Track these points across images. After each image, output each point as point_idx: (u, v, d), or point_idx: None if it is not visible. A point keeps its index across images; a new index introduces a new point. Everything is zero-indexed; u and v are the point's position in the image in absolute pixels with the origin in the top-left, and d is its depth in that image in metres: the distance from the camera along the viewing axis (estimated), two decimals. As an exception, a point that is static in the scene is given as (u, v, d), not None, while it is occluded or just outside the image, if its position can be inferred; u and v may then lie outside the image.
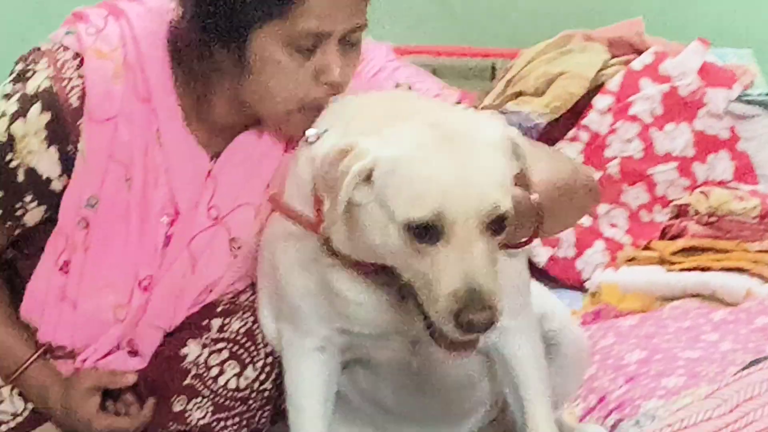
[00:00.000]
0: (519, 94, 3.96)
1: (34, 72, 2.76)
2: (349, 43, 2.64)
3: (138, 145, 2.80)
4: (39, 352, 2.82)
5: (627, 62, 3.75)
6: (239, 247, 2.82)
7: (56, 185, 2.79)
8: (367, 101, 2.45)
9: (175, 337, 2.80)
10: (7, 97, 2.70)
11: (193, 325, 2.77)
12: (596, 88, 3.67)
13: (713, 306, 3.29)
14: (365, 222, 2.25)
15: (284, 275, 2.49)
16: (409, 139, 2.17)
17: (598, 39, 3.82)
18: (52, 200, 2.80)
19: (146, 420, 2.74)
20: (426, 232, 2.12)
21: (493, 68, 4.60)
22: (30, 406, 2.83)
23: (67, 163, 2.76)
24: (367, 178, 2.19)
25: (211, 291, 2.82)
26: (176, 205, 2.80)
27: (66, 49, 2.73)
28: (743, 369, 2.80)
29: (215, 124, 2.82)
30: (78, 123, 2.75)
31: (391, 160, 2.17)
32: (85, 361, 2.80)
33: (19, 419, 2.85)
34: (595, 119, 3.68)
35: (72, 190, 2.77)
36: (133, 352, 2.85)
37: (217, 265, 2.84)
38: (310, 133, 2.36)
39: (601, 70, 3.71)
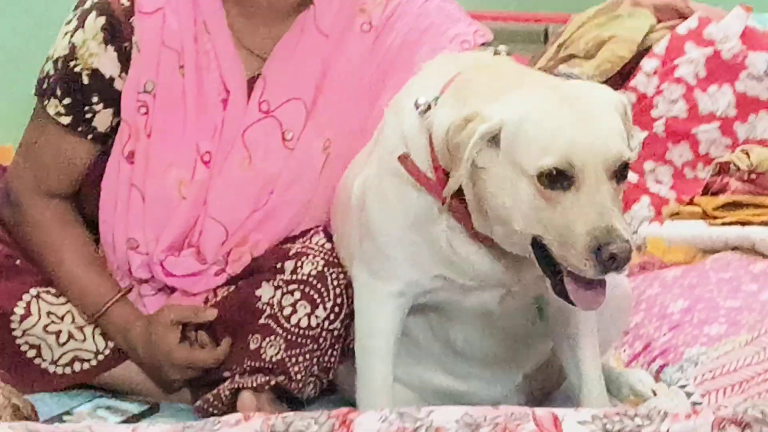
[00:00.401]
0: (570, 56, 4.02)
1: None
2: None
3: (187, 33, 2.99)
4: (122, 293, 2.98)
5: (672, 27, 3.83)
6: (291, 139, 3.01)
7: (118, 84, 3.02)
8: (475, 74, 2.51)
9: (249, 281, 2.92)
10: (68, 21, 2.97)
11: (266, 269, 2.88)
12: (644, 51, 3.75)
13: (753, 258, 3.37)
14: (492, 186, 2.40)
15: (380, 225, 2.60)
16: (531, 101, 2.32)
17: (646, 5, 3.86)
18: (116, 102, 3.02)
19: (221, 357, 2.88)
20: (557, 180, 2.29)
21: (546, 32, 4.67)
22: (111, 345, 2.97)
23: (126, 61, 3.01)
24: (493, 140, 2.35)
25: (271, 192, 3.00)
26: (227, 92, 2.93)
27: None
28: (776, 314, 2.89)
29: (249, 6, 3.01)
30: (130, 20, 2.97)
31: (518, 120, 2.31)
32: (161, 263, 2.98)
33: (101, 357, 3.00)
34: (642, 81, 3.74)
35: (131, 79, 3.01)
36: (197, 251, 3.00)
37: (272, 159, 3.03)
38: (421, 101, 2.45)
39: (648, 34, 3.77)
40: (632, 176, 3.68)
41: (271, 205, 3.04)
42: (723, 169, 3.67)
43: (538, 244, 2.38)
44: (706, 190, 3.71)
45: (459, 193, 2.48)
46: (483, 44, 2.96)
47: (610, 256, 2.24)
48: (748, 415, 2.28)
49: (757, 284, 3.21)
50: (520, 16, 5.33)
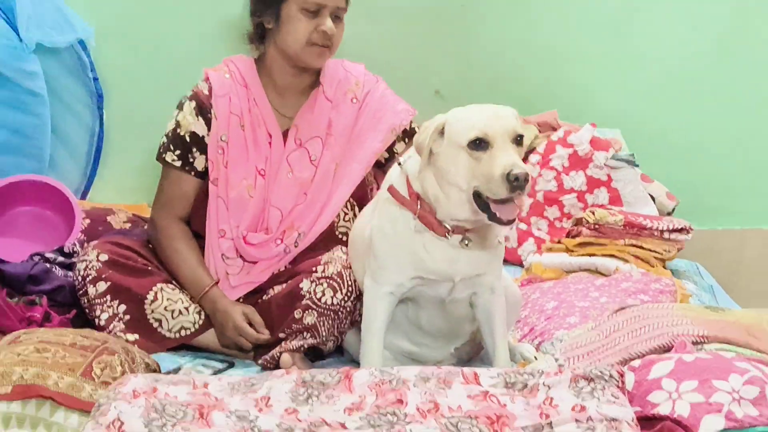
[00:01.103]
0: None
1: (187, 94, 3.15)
2: (337, 18, 3.06)
3: (244, 106, 3.14)
4: (213, 283, 3.04)
5: (548, 136, 3.83)
6: (315, 160, 3.12)
7: (206, 139, 3.12)
8: None
9: (295, 278, 2.94)
10: (176, 108, 3.19)
11: (305, 270, 2.92)
12: (530, 150, 3.76)
13: (596, 276, 3.39)
14: (443, 162, 2.55)
15: (379, 244, 2.63)
16: (461, 108, 2.52)
17: (532, 122, 3.85)
18: (206, 150, 3.12)
19: (261, 340, 2.98)
20: (479, 146, 2.46)
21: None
22: (202, 319, 3.02)
23: (209, 125, 3.12)
24: (441, 133, 2.54)
25: (305, 193, 3.11)
26: (270, 136, 3.13)
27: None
28: (613, 313, 2.88)
29: (282, 86, 3.18)
30: (210, 101, 3.11)
31: (453, 117, 2.54)
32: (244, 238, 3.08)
33: (196, 326, 3.05)
34: (530, 168, 3.72)
35: (212, 135, 3.11)
36: (266, 232, 3.11)
37: (305, 172, 3.12)
38: (402, 159, 2.73)
39: (533, 140, 3.81)
40: (522, 225, 3.78)
41: (306, 200, 3.09)
42: (578, 222, 3.65)
43: (476, 195, 2.50)
44: (568, 235, 3.68)
45: (423, 206, 2.62)
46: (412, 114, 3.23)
47: (515, 178, 2.38)
48: (592, 373, 2.36)
49: (599, 292, 3.21)
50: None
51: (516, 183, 2.40)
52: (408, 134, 3.19)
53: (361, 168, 3.15)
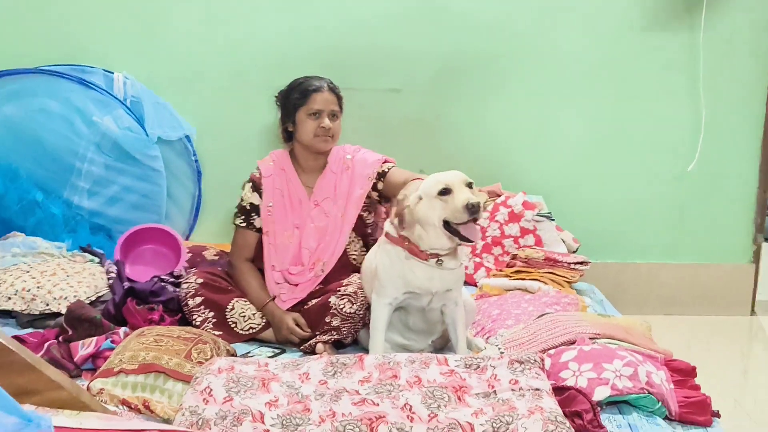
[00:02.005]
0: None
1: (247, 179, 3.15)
2: (334, 116, 3.08)
3: (283, 184, 3.13)
4: (271, 299, 3.03)
5: (494, 200, 3.76)
6: (328, 214, 3.09)
7: (260, 207, 3.11)
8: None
9: (326, 295, 2.89)
10: (242, 188, 3.17)
11: (332, 290, 2.89)
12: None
13: (526, 294, 3.31)
14: (421, 213, 2.58)
15: (381, 271, 2.61)
16: (430, 178, 2.63)
17: (484, 190, 3.77)
18: (260, 214, 3.11)
19: (306, 336, 2.94)
20: (445, 192, 2.52)
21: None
22: (264, 321, 2.97)
23: (260, 197, 3.11)
24: (419, 198, 2.58)
25: (324, 235, 3.07)
26: (300, 201, 3.10)
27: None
28: (536, 318, 2.88)
29: (305, 168, 3.14)
30: (260, 180, 3.11)
31: (425, 183, 2.60)
32: (288, 272, 3.07)
33: (260, 326, 3.00)
34: (482, 222, 3.66)
35: (263, 203, 3.10)
36: (302, 267, 3.08)
37: (322, 222, 3.09)
38: (393, 223, 2.69)
39: (485, 202, 3.75)
40: (476, 259, 3.68)
41: (324, 241, 3.05)
42: (514, 257, 3.60)
43: (446, 225, 2.54)
44: (507, 266, 3.62)
45: (410, 243, 2.62)
46: (386, 161, 3.16)
47: (472, 205, 2.47)
48: (522, 357, 2.35)
49: (527, 304, 3.13)
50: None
51: (473, 209, 2.47)
52: (381, 175, 3.14)
53: (355, 210, 3.11)
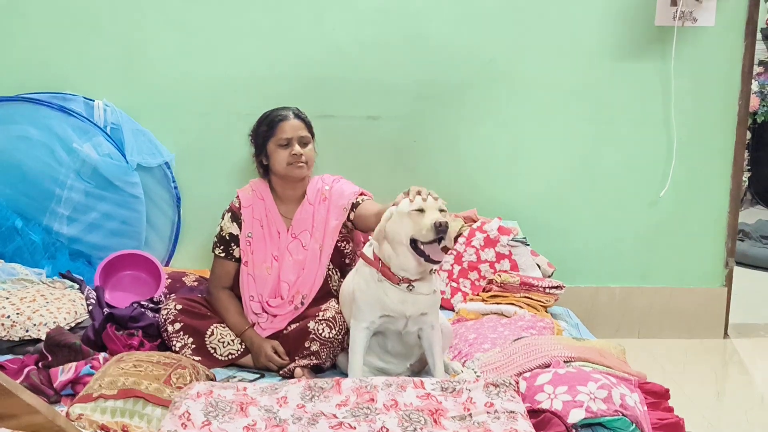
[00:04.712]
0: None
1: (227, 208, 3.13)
2: (303, 143, 3.07)
3: (262, 214, 3.11)
4: (250, 326, 3.01)
5: (470, 225, 3.76)
6: (305, 246, 3.07)
7: (239, 237, 3.09)
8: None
9: (304, 321, 2.88)
10: (221, 218, 3.14)
11: (311, 316, 2.88)
12: (459, 235, 3.68)
13: (501, 318, 3.31)
14: (392, 232, 2.61)
15: (358, 294, 2.62)
16: (406, 198, 2.63)
17: (460, 216, 3.80)
18: (239, 243, 3.08)
19: (284, 363, 2.92)
20: (417, 212, 2.55)
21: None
22: (243, 347, 2.95)
23: (240, 227, 3.09)
24: (391, 215, 2.63)
25: (303, 268, 3.05)
26: (279, 233, 3.07)
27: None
28: (512, 342, 2.90)
29: (284, 198, 3.14)
30: (239, 210, 3.10)
31: (401, 204, 2.62)
32: (265, 302, 3.06)
33: (239, 352, 2.99)
34: (459, 247, 3.67)
35: (242, 234, 3.08)
36: (282, 300, 3.05)
37: (300, 255, 3.07)
38: (370, 240, 2.75)
39: (461, 228, 3.74)
40: (453, 284, 3.67)
41: (303, 274, 3.04)
42: (490, 282, 3.57)
43: (413, 243, 2.56)
44: (483, 290, 3.61)
45: (383, 266, 2.64)
46: (362, 194, 3.16)
47: (439, 224, 2.50)
48: (497, 381, 2.36)
49: (503, 328, 3.14)
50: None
51: (440, 227, 2.49)
52: (354, 206, 3.14)
53: (331, 241, 3.11)
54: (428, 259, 2.56)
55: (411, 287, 2.64)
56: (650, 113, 4.13)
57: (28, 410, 1.97)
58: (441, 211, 2.59)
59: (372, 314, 2.65)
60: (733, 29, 4.07)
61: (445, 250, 2.60)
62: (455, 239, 3.44)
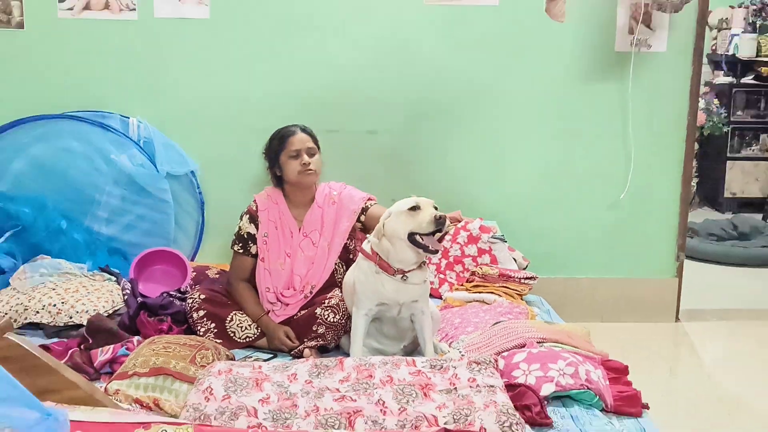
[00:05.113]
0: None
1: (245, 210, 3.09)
2: (311, 154, 3.04)
3: (276, 216, 3.08)
4: (265, 313, 2.95)
5: (456, 225, 3.71)
6: (315, 244, 3.05)
7: (257, 236, 3.06)
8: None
9: (312, 307, 2.86)
10: (239, 219, 3.10)
11: (319, 303, 2.86)
12: (445, 233, 3.55)
13: (483, 305, 3.28)
14: (390, 230, 2.58)
15: (359, 285, 2.58)
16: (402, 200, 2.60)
17: (446, 216, 3.78)
18: (256, 242, 3.05)
19: (295, 346, 2.87)
20: (414, 209, 2.53)
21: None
22: (258, 331, 2.92)
23: (257, 228, 3.06)
24: (389, 215, 2.59)
25: (312, 263, 3.03)
26: (291, 233, 2.99)
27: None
28: (492, 325, 2.89)
29: (295, 202, 3.09)
30: (257, 213, 3.06)
31: (397, 204, 2.61)
32: (281, 295, 3.02)
33: (255, 336, 2.96)
34: (445, 243, 3.63)
35: (259, 233, 3.04)
36: (294, 290, 3.03)
37: (310, 251, 3.05)
38: (369, 238, 2.71)
39: (447, 227, 3.73)
40: (440, 275, 3.65)
41: (312, 268, 3.02)
42: (473, 274, 3.55)
43: (410, 237, 2.54)
44: (467, 281, 3.59)
45: (381, 259, 2.61)
46: (370, 199, 3.15)
47: (439, 217, 2.50)
48: (479, 359, 2.35)
49: (484, 313, 3.12)
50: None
51: (440, 220, 2.50)
52: (364, 210, 3.15)
53: (341, 240, 3.11)
54: (427, 250, 2.55)
55: (405, 278, 2.63)
56: (611, 127, 4.13)
57: (70, 386, 1.99)
58: (435, 208, 2.60)
59: (370, 302, 2.64)
60: (682, 55, 4.08)
61: (441, 240, 2.62)
62: (441, 238, 3.43)
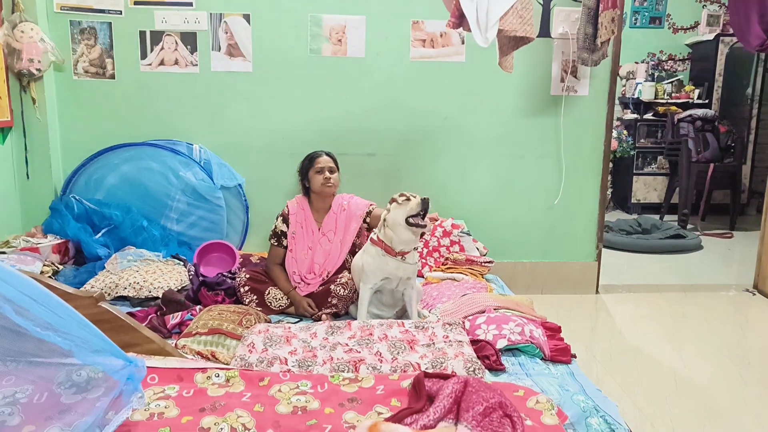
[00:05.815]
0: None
1: (279, 213, 2.98)
2: (331, 171, 2.95)
3: (302, 219, 2.96)
4: (293, 288, 2.86)
5: (435, 223, 3.56)
6: (332, 240, 2.95)
7: (287, 233, 2.98)
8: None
9: (328, 284, 2.78)
10: (276, 220, 2.87)
11: (333, 281, 2.76)
12: (434, 219, 3.66)
13: (455, 282, 3.24)
14: (391, 221, 2.51)
15: (367, 265, 2.50)
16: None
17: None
18: (287, 238, 2.97)
19: (316, 312, 2.76)
20: (406, 201, 2.48)
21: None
22: (288, 302, 2.83)
23: (287, 227, 2.98)
24: (389, 210, 2.53)
25: (328, 254, 2.93)
26: (313, 232, 2.83)
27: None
28: (460, 297, 2.89)
29: (317, 208, 3.00)
30: (288, 215, 2.99)
31: (395, 202, 2.53)
32: (303, 278, 2.94)
33: (286, 305, 2.86)
34: (426, 237, 3.57)
35: (290, 231, 2.98)
36: (314, 275, 2.95)
37: (326, 246, 2.97)
38: (375, 231, 2.62)
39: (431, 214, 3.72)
40: (422, 260, 3.61)
41: (328, 258, 2.95)
42: (446, 259, 3.52)
43: (406, 221, 2.48)
44: (443, 264, 3.55)
45: (385, 245, 2.54)
46: (371, 205, 3.02)
47: (423, 200, 2.44)
48: (451, 321, 2.34)
49: (457, 288, 3.08)
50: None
51: (424, 201, 2.46)
52: (368, 213, 3.10)
53: (350, 238, 3.06)
54: (419, 226, 2.52)
55: (403, 258, 2.61)
56: (548, 151, 4.11)
57: (147, 341, 1.99)
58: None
59: (375, 278, 2.62)
60: (599, 97, 4.07)
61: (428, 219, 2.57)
62: (421, 236, 3.42)
